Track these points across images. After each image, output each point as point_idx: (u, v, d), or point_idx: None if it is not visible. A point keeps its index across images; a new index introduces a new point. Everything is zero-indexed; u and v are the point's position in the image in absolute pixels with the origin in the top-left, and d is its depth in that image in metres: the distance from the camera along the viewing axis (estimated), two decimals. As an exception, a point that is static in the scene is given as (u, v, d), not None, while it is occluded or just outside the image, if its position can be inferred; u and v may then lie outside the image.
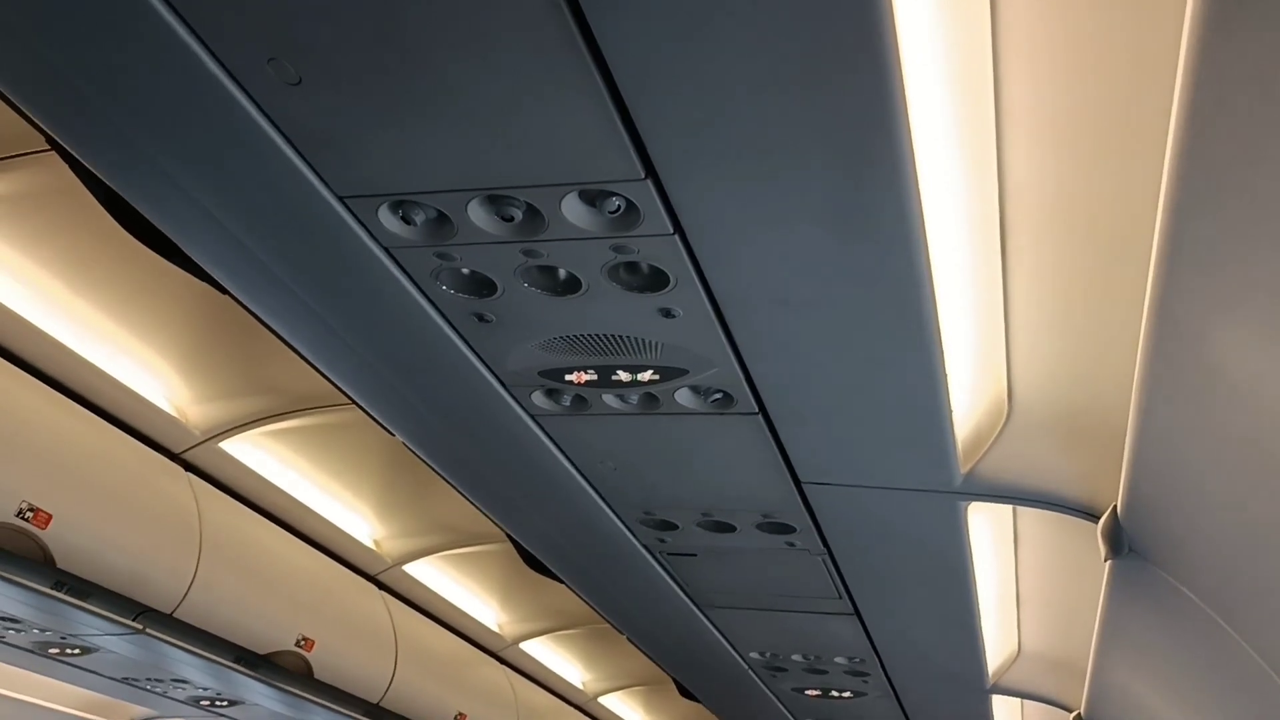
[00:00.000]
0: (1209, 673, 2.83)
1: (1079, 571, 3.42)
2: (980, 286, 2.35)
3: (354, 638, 5.35)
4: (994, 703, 4.90)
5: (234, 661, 4.70)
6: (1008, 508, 3.19)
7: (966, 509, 3.01)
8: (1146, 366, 2.01)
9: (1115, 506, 2.56)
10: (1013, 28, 1.82)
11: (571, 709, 7.64)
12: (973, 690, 4.61)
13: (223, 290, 2.41)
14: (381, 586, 5.61)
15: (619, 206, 1.97)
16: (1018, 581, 3.83)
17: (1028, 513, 3.18)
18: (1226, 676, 2.69)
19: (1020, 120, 1.99)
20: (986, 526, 3.32)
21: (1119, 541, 2.63)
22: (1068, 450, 2.74)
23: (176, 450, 4.30)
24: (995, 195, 2.16)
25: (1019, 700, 4.97)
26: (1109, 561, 2.73)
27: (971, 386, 2.62)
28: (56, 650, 4.82)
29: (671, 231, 2.01)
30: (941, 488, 2.88)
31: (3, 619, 4.33)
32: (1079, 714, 4.24)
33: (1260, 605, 2.30)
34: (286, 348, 2.94)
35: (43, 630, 4.52)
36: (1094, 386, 2.54)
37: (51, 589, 3.83)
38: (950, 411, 2.54)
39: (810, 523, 3.25)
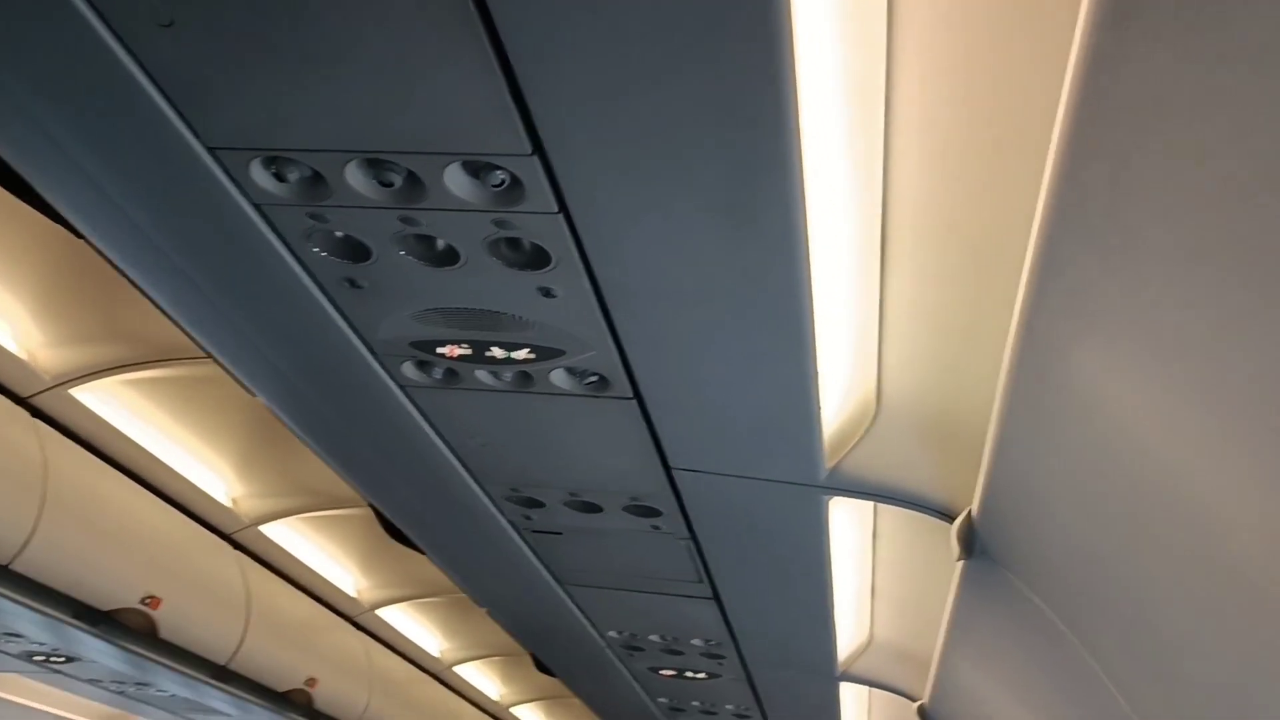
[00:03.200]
0: (1047, 674, 2.94)
1: (932, 569, 3.51)
2: (858, 289, 2.38)
3: (204, 597, 5.20)
4: (843, 690, 5.02)
5: (72, 617, 4.52)
6: (869, 503, 3.25)
7: (829, 503, 3.06)
8: (1009, 378, 2.06)
9: (970, 510, 2.63)
10: (907, 42, 1.83)
11: (427, 677, 7.57)
12: (823, 676, 4.72)
13: (78, 235, 2.28)
14: (236, 546, 5.45)
15: (503, 181, 1.93)
16: (874, 575, 3.93)
17: (887, 510, 3.25)
18: (1064, 679, 2.79)
19: (908, 130, 2.01)
20: (847, 520, 3.39)
21: (971, 543, 2.70)
22: (930, 452, 2.80)
23: (23, 394, 4.09)
24: (879, 201, 2.18)
25: (867, 689, 5.10)
26: (961, 561, 2.81)
27: (842, 385, 2.66)
28: (-124, 597, 4.56)
29: (556, 210, 1.97)
30: (806, 481, 2.92)
31: None
32: (922, 704, 4.37)
33: (1099, 613, 2.39)
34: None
35: None
36: (959, 393, 2.59)
37: (-128, 534, 3.62)
38: (819, 408, 2.58)
39: (677, 508, 3.26)
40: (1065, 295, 1.77)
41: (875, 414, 2.75)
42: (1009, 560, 2.66)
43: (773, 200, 1.87)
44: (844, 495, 2.97)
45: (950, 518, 2.83)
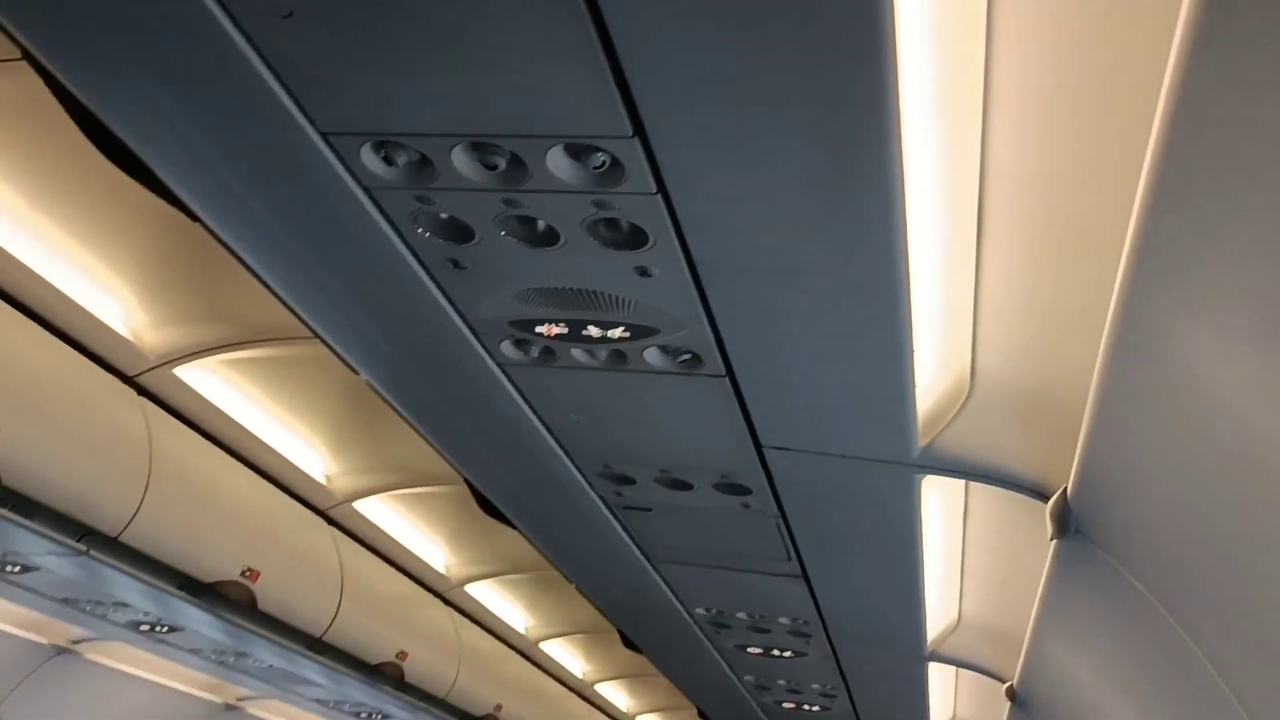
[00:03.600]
0: (1143, 655, 2.91)
1: (1023, 548, 3.49)
2: (953, 264, 2.38)
3: (300, 571, 5.35)
4: (930, 670, 5.00)
5: (177, 588, 4.69)
6: (960, 481, 3.24)
7: (921, 482, 3.05)
8: (1108, 355, 2.04)
9: (1066, 488, 2.61)
10: (1007, 16, 1.82)
11: (513, 653, 7.70)
12: (911, 656, 4.71)
13: (193, 217, 2.37)
14: (330, 522, 5.60)
15: (604, 162, 1.96)
16: (964, 554, 3.90)
17: (979, 488, 3.23)
18: (1161, 661, 2.76)
19: (1007, 102, 2.00)
20: (938, 498, 3.38)
21: (1066, 522, 2.68)
22: (1024, 430, 2.79)
23: (129, 374, 4.25)
24: (976, 175, 2.17)
25: (955, 669, 5.08)
26: (1054, 541, 2.79)
27: (936, 362, 2.66)
28: (-2, 567, 4.78)
29: (655, 191, 2.01)
30: (899, 459, 2.92)
31: (-55, 534, 4.27)
32: (1011, 685, 4.34)
33: (1199, 594, 2.36)
34: (248, 277, 2.91)
35: (-15, 546, 4.47)
36: (1055, 370, 2.57)
37: (-4, 505, 3.79)
38: (914, 385, 2.57)
39: (767, 486, 3.28)
40: (1166, 271, 1.75)
41: (969, 391, 2.74)
42: (1105, 540, 2.63)
43: (870, 175, 1.88)
44: (937, 474, 2.97)
45: (1044, 496, 2.81)
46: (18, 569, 4.80)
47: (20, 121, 3.18)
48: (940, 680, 5.50)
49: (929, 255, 2.26)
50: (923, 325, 2.42)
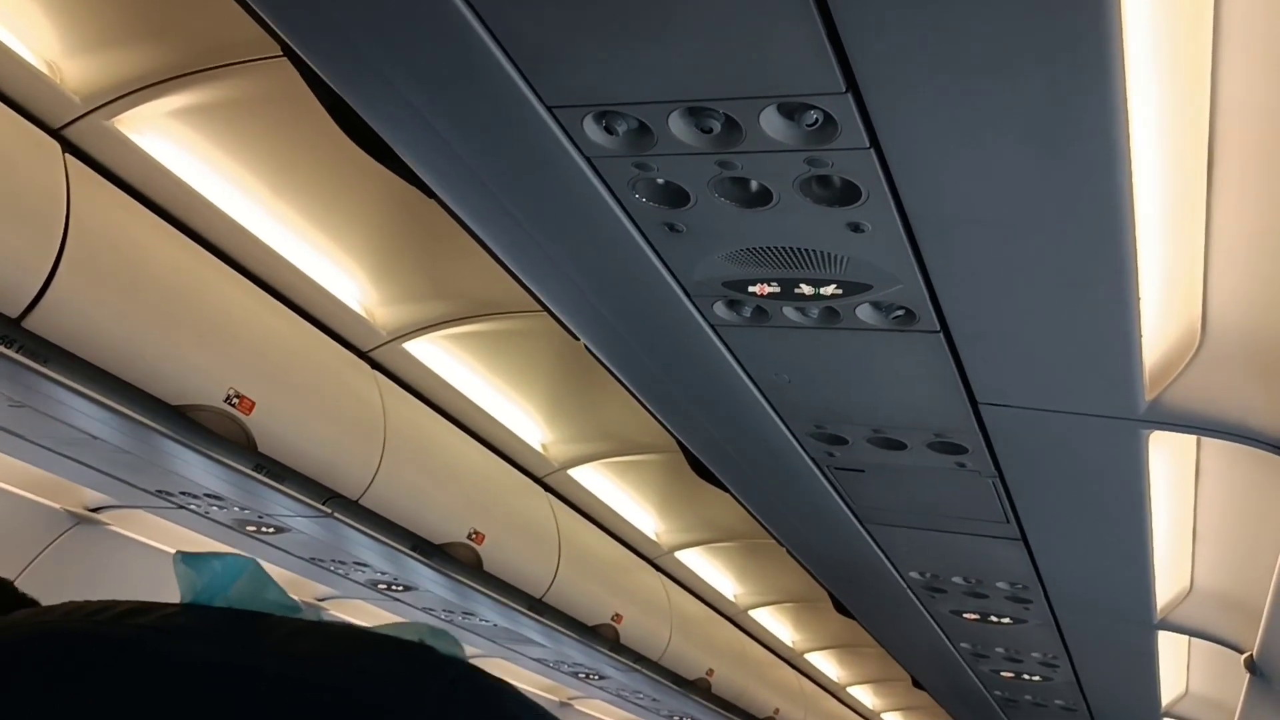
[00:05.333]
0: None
1: (1262, 508, 3.32)
2: (1181, 208, 2.29)
3: (520, 535, 5.59)
4: (1160, 639, 4.81)
5: (411, 549, 4.98)
6: (1190, 438, 3.11)
7: (1148, 438, 2.95)
8: (1360, 296, 1.94)
9: (1311, 441, 2.49)
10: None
11: (723, 619, 7.82)
12: (1139, 624, 4.54)
13: (430, 194, 2.54)
14: (547, 489, 5.83)
15: (817, 120, 1.99)
16: (1195, 515, 3.74)
17: (1211, 444, 3.10)
18: None
19: (1238, 35, 1.92)
20: (1166, 456, 3.25)
21: (1312, 477, 2.55)
22: (1261, 381, 2.66)
23: (364, 349, 4.55)
24: (1205, 113, 2.09)
25: (1187, 639, 4.87)
26: (1299, 497, 2.66)
27: (1163, 310, 2.57)
28: (254, 528, 5.20)
29: (868, 145, 2.03)
30: (1124, 414, 2.83)
31: (209, 495, 4.69)
32: (1250, 656, 4.14)
33: None
34: (467, 255, 3.08)
35: (243, 509, 4.88)
36: (1297, 317, 2.45)
37: (252, 470, 4.13)
38: (1139, 336, 2.50)
39: (983, 444, 3.24)
40: None
41: (1200, 341, 2.63)
42: (1357, 495, 2.50)
43: (1092, 120, 1.85)
44: (1165, 429, 2.86)
45: (1286, 451, 2.68)
46: (271, 530, 5.22)
47: (269, 117, 3.46)
48: (1172, 650, 5.27)
49: (1156, 200, 2.19)
50: (1149, 274, 2.35)
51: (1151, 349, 2.62)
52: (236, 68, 3.10)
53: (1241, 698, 4.74)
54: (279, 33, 2.08)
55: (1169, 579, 4.20)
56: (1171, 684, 5.94)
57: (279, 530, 5.19)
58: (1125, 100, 1.81)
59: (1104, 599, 4.49)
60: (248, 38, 2.93)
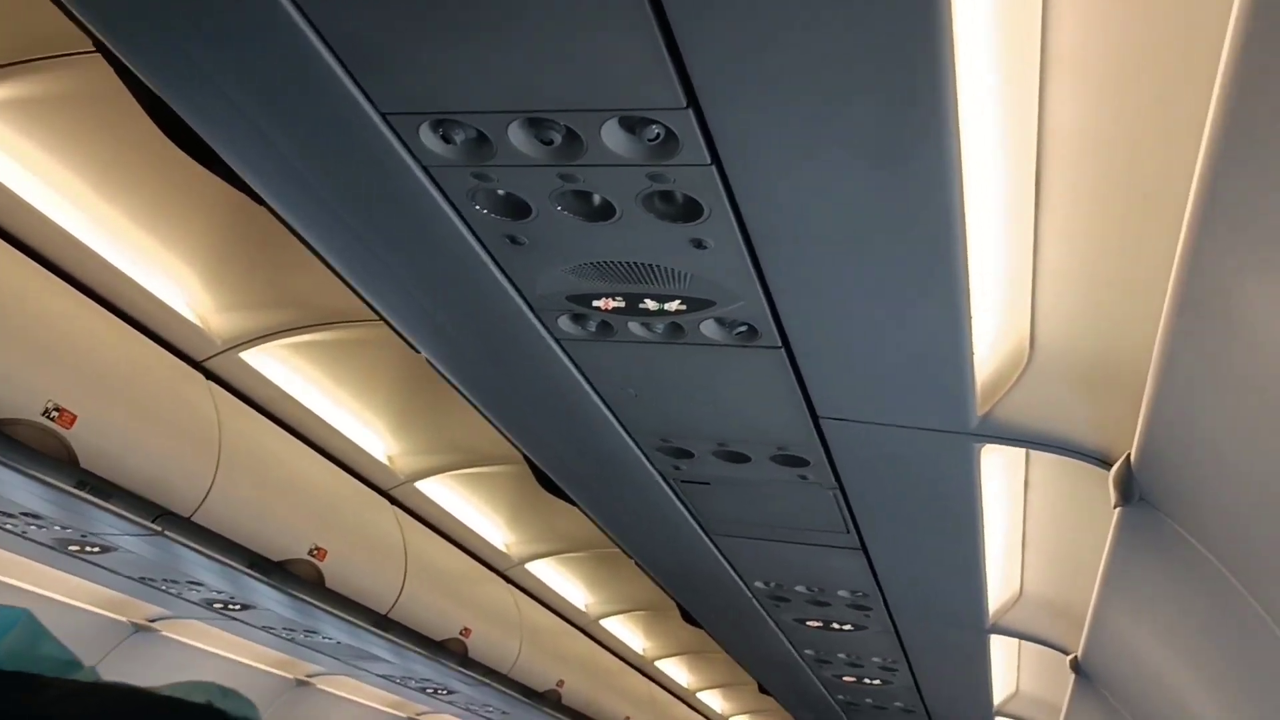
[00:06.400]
0: (1211, 623, 2.88)
1: (1086, 518, 3.46)
2: (1011, 229, 2.36)
3: (365, 550, 5.45)
4: (992, 642, 4.98)
5: (248, 567, 4.80)
6: (1020, 451, 3.22)
7: (980, 451, 3.04)
8: (1171, 318, 2.03)
9: (1129, 455, 2.59)
10: (1065, -29, 1.81)
11: (574, 630, 7.78)
12: (972, 629, 4.69)
13: (259, 201, 2.43)
14: (393, 501, 5.70)
15: (658, 135, 1.98)
16: (1025, 525, 3.88)
17: (1040, 457, 3.21)
18: (1228, 628, 2.74)
19: (1066, 63, 1.99)
20: (998, 469, 3.36)
21: (1130, 489, 2.66)
22: (1085, 397, 2.77)
23: (198, 358, 4.36)
24: (1034, 137, 2.16)
25: (1017, 642, 5.05)
26: (1118, 509, 2.77)
27: (994, 329, 2.64)
28: (77, 548, 4.93)
29: (709, 162, 2.02)
30: (957, 429, 2.91)
31: (26, 515, 4.42)
32: (1075, 657, 4.32)
33: (1267, 560, 2.34)
34: (308, 261, 2.96)
35: (64, 528, 4.62)
36: (1117, 335, 2.55)
37: (74, 487, 3.91)
38: (971, 353, 2.57)
39: (824, 457, 3.29)
40: (1232, 230, 1.74)
41: (1028, 359, 2.73)
42: (1170, 506, 2.61)
43: (925, 141, 1.88)
44: (996, 442, 2.96)
45: (1107, 464, 2.79)
46: (97, 549, 4.95)
47: (88, 114, 3.27)
48: (1003, 653, 5.48)
49: (987, 222, 2.25)
50: (980, 293, 2.41)
51: (983, 365, 2.70)
52: (50, 62, 2.92)
53: (1067, 697, 4.94)
54: (86, 24, 1.95)
55: (1000, 585, 4.35)
56: (1003, 685, 6.17)
57: (105, 549, 4.93)
58: (958, 121, 1.85)
59: (940, 605, 4.62)
60: (61, 31, 2.76)
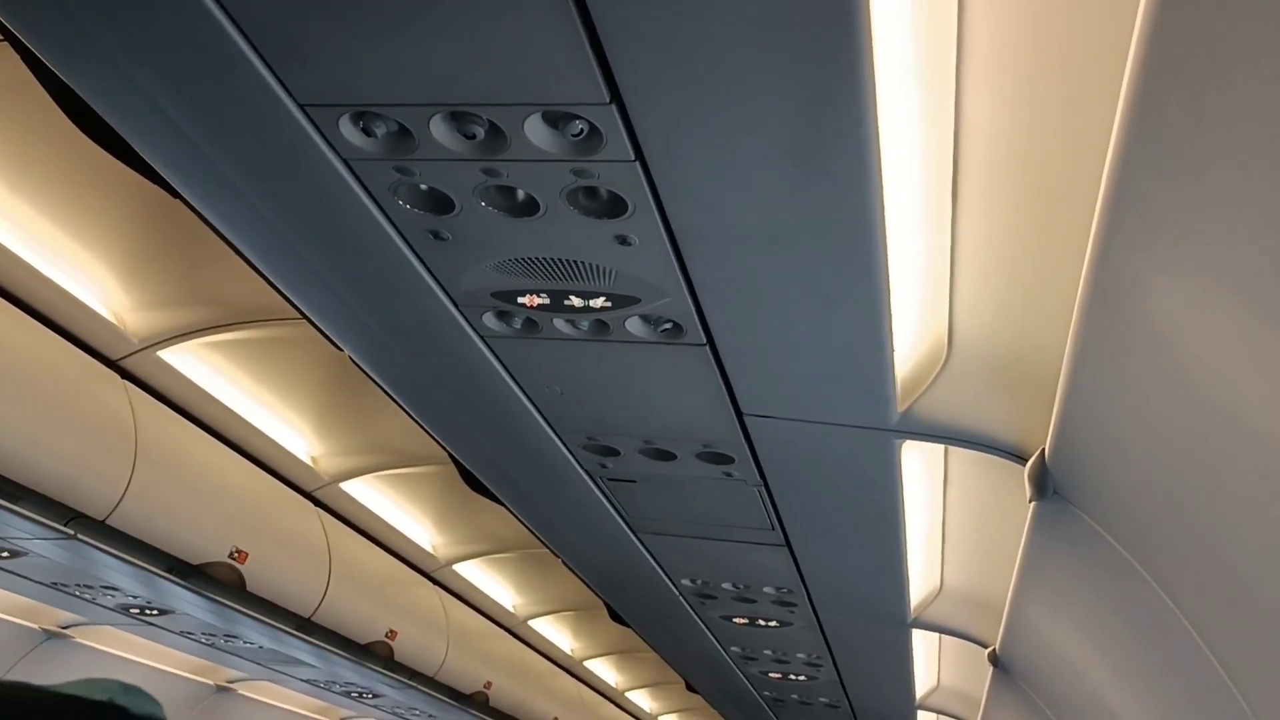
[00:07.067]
0: (1122, 615, 2.95)
1: (1003, 513, 3.53)
2: (929, 229, 2.40)
3: (288, 552, 5.37)
4: (914, 636, 5.06)
5: (166, 571, 4.69)
6: (940, 447, 3.28)
7: (901, 447, 3.09)
8: (1082, 315, 2.08)
9: (1044, 450, 2.65)
10: (979, -26, 1.84)
11: (502, 631, 7.74)
12: (895, 624, 4.76)
13: (175, 195, 2.38)
14: (317, 503, 5.62)
15: (582, 130, 1.98)
16: (944, 520, 3.95)
17: (959, 454, 3.27)
18: (1139, 619, 2.81)
19: (980, 65, 2.03)
20: (918, 465, 3.42)
21: (1044, 484, 2.72)
22: (1002, 394, 2.82)
23: (113, 357, 4.25)
24: (950, 138, 2.20)
25: (938, 636, 5.13)
26: (1033, 503, 2.83)
27: (914, 327, 2.69)
28: (-16, 553, 4.78)
29: (633, 158, 2.03)
30: (878, 425, 2.95)
31: (-70, 520, 4.27)
32: (993, 650, 4.40)
33: (1175, 553, 2.41)
34: (228, 258, 2.91)
35: (-29, 532, 4.47)
36: (1032, 333, 2.61)
37: (-21, 491, 3.79)
38: (891, 351, 2.61)
39: (749, 454, 3.32)
40: (1139, 228, 1.78)
41: (947, 356, 2.77)
42: (1082, 500, 2.68)
43: (845, 140, 1.90)
44: (916, 438, 3.00)
45: (1022, 459, 2.85)
46: (6, 554, 4.80)
47: (-4, 104, 3.18)
48: (924, 647, 5.56)
49: (906, 221, 2.28)
50: (901, 291, 2.45)
51: (903, 363, 2.74)
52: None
53: (986, 689, 5.03)
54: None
55: (921, 580, 4.42)
56: (925, 679, 6.28)
57: (14, 554, 4.79)
58: (876, 120, 1.88)
59: (863, 600, 4.68)
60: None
